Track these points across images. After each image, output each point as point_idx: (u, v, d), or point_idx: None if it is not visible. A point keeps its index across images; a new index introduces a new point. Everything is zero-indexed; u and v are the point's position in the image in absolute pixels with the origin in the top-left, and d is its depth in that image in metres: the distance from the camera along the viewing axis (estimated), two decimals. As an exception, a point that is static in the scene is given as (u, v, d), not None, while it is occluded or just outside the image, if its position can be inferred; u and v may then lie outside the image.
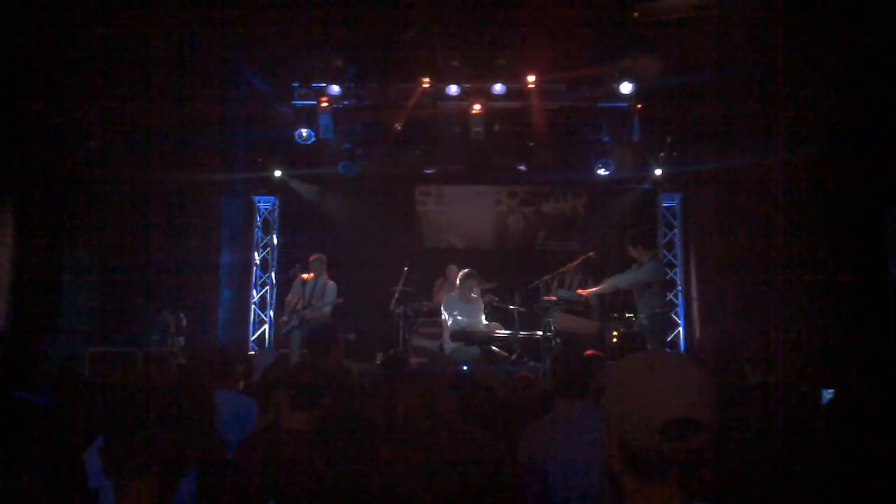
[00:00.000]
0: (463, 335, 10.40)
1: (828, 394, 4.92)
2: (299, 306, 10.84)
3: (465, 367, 8.48)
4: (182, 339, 10.68)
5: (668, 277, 12.89)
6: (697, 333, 12.17)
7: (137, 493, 2.22)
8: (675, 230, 13.02)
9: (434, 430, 3.54)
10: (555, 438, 3.78)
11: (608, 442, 1.76)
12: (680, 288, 12.80)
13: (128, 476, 2.22)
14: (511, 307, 10.75)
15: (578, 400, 3.91)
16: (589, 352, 4.87)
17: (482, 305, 10.84)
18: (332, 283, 11.03)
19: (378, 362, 9.46)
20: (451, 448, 3.35)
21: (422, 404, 3.81)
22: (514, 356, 10.50)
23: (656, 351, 1.81)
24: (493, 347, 10.44)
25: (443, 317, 10.67)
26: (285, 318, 11.07)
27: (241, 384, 5.69)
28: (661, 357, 1.76)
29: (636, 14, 10.07)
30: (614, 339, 10.31)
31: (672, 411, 1.63)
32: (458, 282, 10.78)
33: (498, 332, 10.50)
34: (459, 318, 10.46)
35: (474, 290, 10.69)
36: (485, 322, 10.71)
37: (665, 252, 13.04)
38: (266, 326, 12.88)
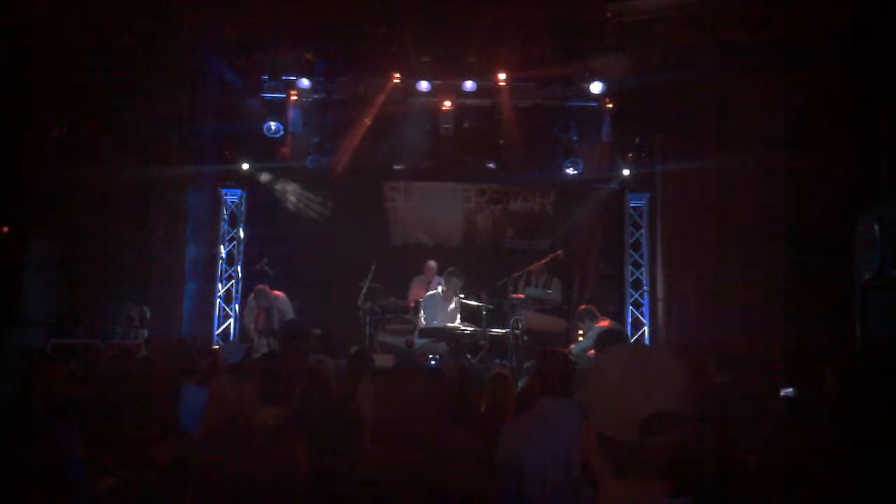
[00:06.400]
0: (431, 331, 10.41)
1: (785, 392, 4.97)
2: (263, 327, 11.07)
3: (433, 362, 8.48)
4: (146, 332, 10.55)
5: (633, 278, 13.04)
6: (663, 332, 12.26)
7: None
8: (642, 230, 13.10)
9: (412, 427, 3.49)
10: (532, 435, 3.78)
11: (586, 437, 1.73)
12: (646, 288, 12.88)
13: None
14: (478, 304, 10.77)
15: (560, 397, 3.92)
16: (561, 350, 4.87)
17: (458, 304, 10.86)
18: (282, 297, 11.21)
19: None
20: (429, 445, 3.32)
21: (397, 400, 3.76)
22: (480, 353, 10.52)
23: (637, 344, 1.77)
24: (461, 344, 10.44)
25: (421, 315, 10.69)
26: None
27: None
28: (642, 350, 1.75)
29: (608, 14, 10.12)
30: (580, 337, 10.33)
31: (654, 405, 1.60)
32: (442, 279, 10.80)
33: (466, 329, 10.52)
34: (437, 319, 10.49)
35: (458, 288, 10.72)
36: (458, 321, 10.74)
37: (631, 252, 13.12)
38: (231, 320, 12.76)
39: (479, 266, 12.30)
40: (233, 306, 12.82)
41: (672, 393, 1.63)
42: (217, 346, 11.46)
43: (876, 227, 6.69)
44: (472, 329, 10.51)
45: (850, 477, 3.78)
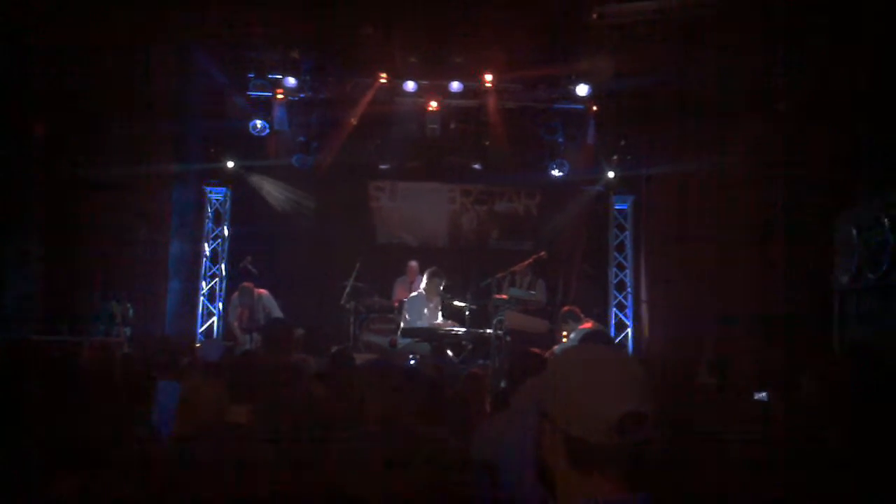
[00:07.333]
0: (414, 331, 10.41)
1: (758, 396, 5.00)
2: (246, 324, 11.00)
3: (411, 361, 8.46)
4: (128, 330, 10.50)
5: (616, 280, 13.09)
6: (646, 334, 12.31)
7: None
8: (627, 232, 13.15)
9: (386, 426, 3.50)
10: (505, 434, 3.79)
11: (548, 437, 1.75)
12: (630, 290, 12.92)
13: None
14: (462, 304, 10.77)
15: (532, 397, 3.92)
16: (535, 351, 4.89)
17: (439, 303, 10.86)
18: (266, 294, 11.15)
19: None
20: (403, 444, 3.32)
21: (373, 399, 3.76)
22: (463, 353, 10.52)
23: (594, 347, 1.77)
24: (444, 344, 10.44)
25: (405, 315, 10.66)
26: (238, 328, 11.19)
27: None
28: (602, 352, 1.76)
29: (594, 16, 10.15)
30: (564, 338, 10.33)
31: (625, 405, 1.63)
32: (424, 279, 10.79)
33: (449, 329, 10.52)
34: (420, 319, 10.47)
35: (440, 288, 10.73)
36: (440, 320, 10.74)
37: (616, 254, 13.16)
38: (214, 318, 12.71)
39: (463, 266, 12.30)
40: (216, 304, 12.78)
41: (639, 393, 1.66)
42: (198, 344, 11.44)
43: (854, 232, 6.73)
44: (455, 329, 10.51)
45: (825, 481, 3.82)
